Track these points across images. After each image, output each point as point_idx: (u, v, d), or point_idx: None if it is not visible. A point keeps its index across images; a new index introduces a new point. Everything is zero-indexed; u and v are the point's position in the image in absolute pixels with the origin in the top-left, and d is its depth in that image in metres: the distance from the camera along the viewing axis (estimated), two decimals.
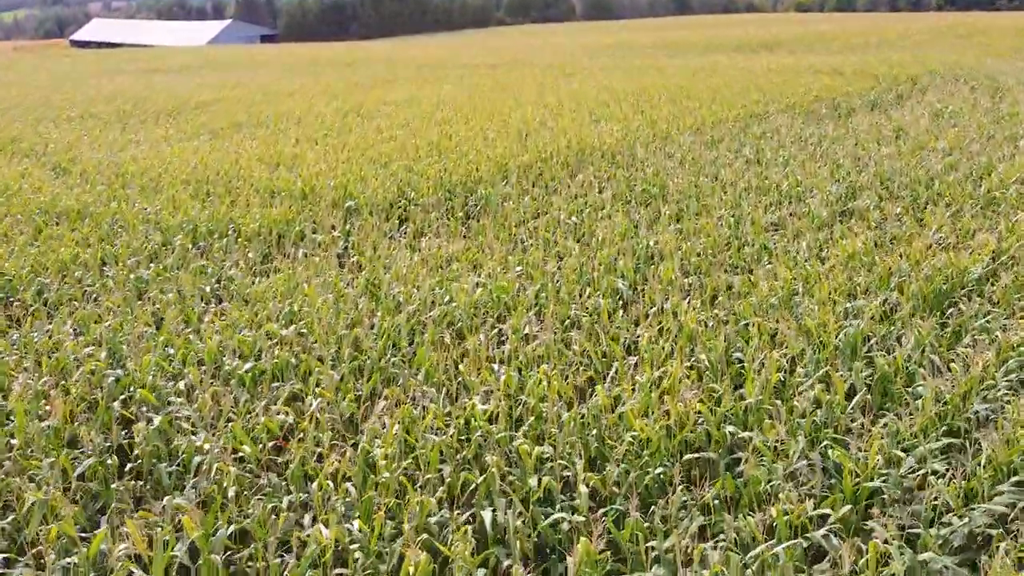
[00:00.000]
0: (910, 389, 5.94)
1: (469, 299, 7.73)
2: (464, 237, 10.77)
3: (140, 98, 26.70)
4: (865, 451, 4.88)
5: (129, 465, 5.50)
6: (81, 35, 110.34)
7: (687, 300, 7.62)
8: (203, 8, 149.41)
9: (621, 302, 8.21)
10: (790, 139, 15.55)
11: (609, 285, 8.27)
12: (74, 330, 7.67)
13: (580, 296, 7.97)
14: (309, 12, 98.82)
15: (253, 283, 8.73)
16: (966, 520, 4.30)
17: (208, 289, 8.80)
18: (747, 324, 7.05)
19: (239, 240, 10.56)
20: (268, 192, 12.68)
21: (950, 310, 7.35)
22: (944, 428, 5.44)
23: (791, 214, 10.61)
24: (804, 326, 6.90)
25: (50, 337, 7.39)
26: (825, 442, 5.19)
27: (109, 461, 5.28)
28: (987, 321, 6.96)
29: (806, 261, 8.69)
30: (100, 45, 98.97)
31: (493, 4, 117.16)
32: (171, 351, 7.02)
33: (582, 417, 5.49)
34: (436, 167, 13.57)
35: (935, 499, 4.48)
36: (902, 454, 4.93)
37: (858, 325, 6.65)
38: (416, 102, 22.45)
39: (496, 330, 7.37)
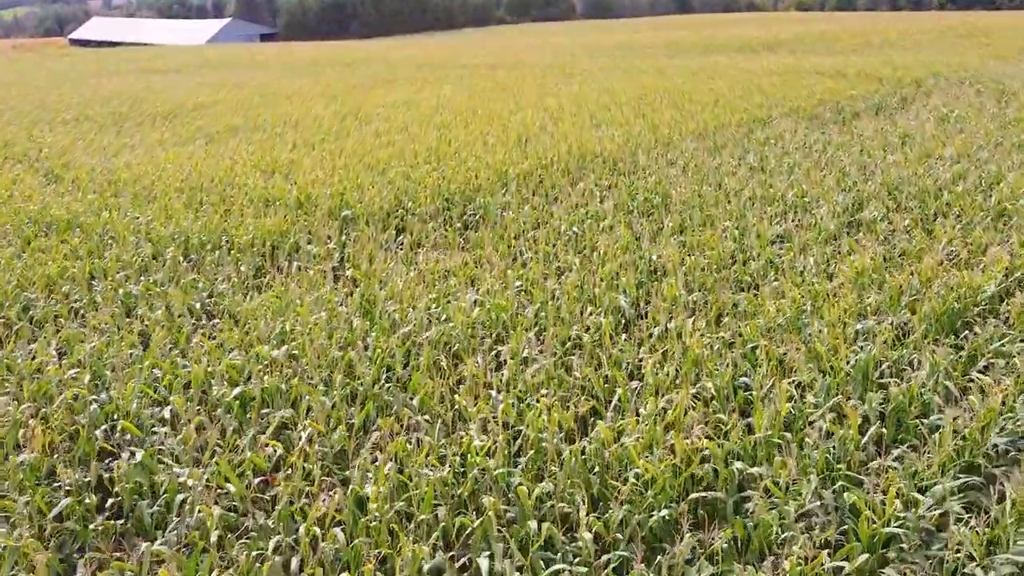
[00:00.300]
0: (926, 420, 5.70)
1: (467, 319, 7.49)
2: (462, 249, 10.53)
3: (137, 100, 26.44)
4: (882, 492, 4.63)
5: (110, 501, 5.26)
6: (80, 33, 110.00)
7: (691, 320, 7.38)
8: (203, 6, 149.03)
9: (623, 320, 7.98)
10: (794, 145, 15.30)
11: (611, 302, 8.02)
12: (58, 351, 7.43)
13: (581, 315, 7.73)
14: (309, 11, 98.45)
15: (245, 299, 8.48)
16: (990, 575, 4.06)
17: (199, 305, 8.57)
18: (754, 348, 6.81)
19: (232, 252, 10.32)
20: (263, 201, 12.44)
21: (964, 332, 7.11)
22: (962, 463, 5.20)
23: (797, 225, 10.35)
24: (813, 349, 6.66)
25: (33, 358, 7.15)
26: (839, 482, 4.94)
27: (88, 500, 5.03)
28: (1003, 345, 6.71)
29: (814, 278, 8.44)
30: (99, 44, 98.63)
31: (493, 3, 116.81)
32: (158, 373, 6.79)
33: (583, 452, 5.25)
34: (434, 175, 13.32)
35: (957, 550, 4.24)
36: (919, 495, 4.68)
37: (869, 350, 6.40)
38: (415, 104, 22.19)
39: (494, 352, 7.13)
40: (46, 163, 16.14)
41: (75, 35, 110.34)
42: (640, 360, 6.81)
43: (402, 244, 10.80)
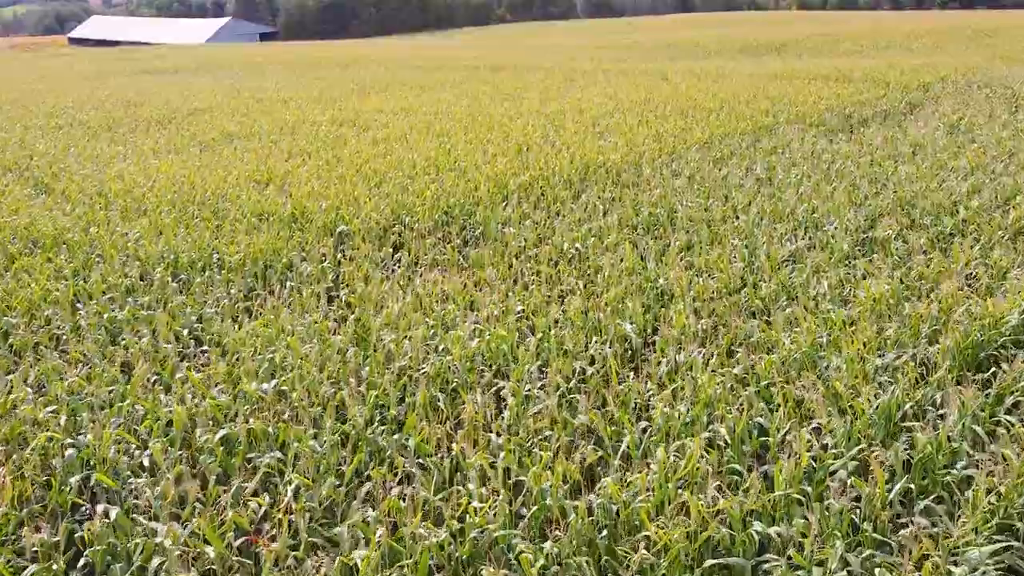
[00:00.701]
0: (955, 471, 5.34)
1: (465, 352, 7.12)
2: (461, 269, 10.17)
3: (132, 104, 26.08)
4: (914, 567, 4.27)
5: (82, 560, 4.90)
6: (79, 32, 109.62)
7: (701, 353, 7.01)
8: (203, 5, 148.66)
9: (630, 351, 7.62)
10: (802, 155, 14.92)
11: (617, 332, 7.66)
12: (36, 385, 7.07)
13: (586, 348, 7.36)
14: (308, 10, 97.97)
15: (233, 326, 8.11)
16: None
17: (186, 332, 8.20)
18: (769, 385, 6.45)
19: (223, 271, 9.96)
20: (256, 215, 12.07)
21: (990, 368, 6.74)
22: (997, 523, 4.84)
23: (809, 245, 9.99)
24: (832, 388, 6.30)
25: (9, 392, 6.79)
26: (866, 548, 4.57)
27: (56, 566, 4.67)
28: None
29: (828, 304, 8.08)
30: (98, 43, 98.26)
31: (494, 1, 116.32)
32: (140, 409, 6.43)
33: (590, 511, 4.88)
34: (433, 187, 12.95)
35: None
36: (954, 568, 4.32)
37: (892, 391, 6.03)
38: (414, 111, 21.82)
39: (494, 389, 6.77)
40: (36, 172, 15.77)
41: (74, 34, 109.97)
42: (649, 398, 6.46)
43: (399, 261, 10.45)
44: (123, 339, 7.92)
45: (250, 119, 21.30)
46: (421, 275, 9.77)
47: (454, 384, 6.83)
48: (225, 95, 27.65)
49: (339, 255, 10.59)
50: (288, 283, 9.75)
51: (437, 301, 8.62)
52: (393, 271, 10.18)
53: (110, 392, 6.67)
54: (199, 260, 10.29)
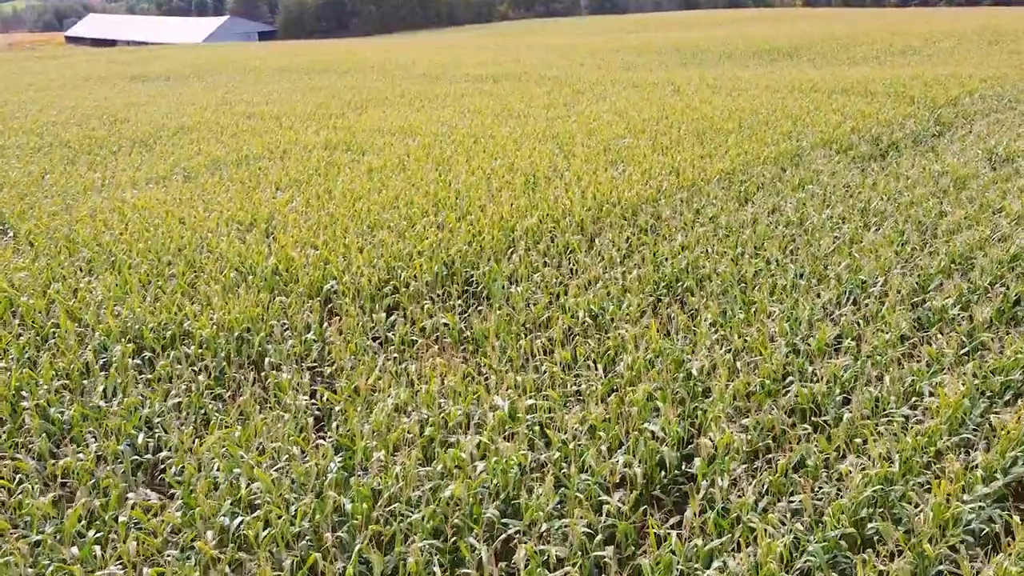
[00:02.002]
0: None
1: (468, 484, 5.92)
2: (463, 340, 8.98)
3: (117, 120, 24.87)
4: None
5: None
6: (76, 31, 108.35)
7: (751, 486, 5.83)
8: (204, 3, 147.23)
9: (663, 470, 6.45)
10: (833, 189, 13.70)
11: (648, 449, 6.47)
12: None
13: (610, 471, 6.16)
14: (308, 8, 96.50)
15: (195, 437, 6.93)
16: None
17: (140, 438, 7.02)
18: (841, 538, 5.26)
19: (193, 347, 8.78)
20: (236, 267, 10.88)
21: None
22: None
23: (858, 318, 8.76)
24: (918, 548, 5.11)
25: None
26: None
27: None
28: None
29: (892, 407, 6.88)
30: (95, 42, 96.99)
31: None
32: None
33: None
34: (432, 234, 11.75)
35: None
36: None
37: (1001, 566, 4.84)
38: (413, 131, 20.59)
39: (502, 537, 5.59)
40: (3, 208, 14.58)
41: (71, 32, 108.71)
42: (691, 553, 5.28)
43: (393, 326, 9.28)
44: (65, 453, 6.74)
45: (239, 141, 20.09)
46: (418, 356, 8.57)
47: (453, 530, 5.64)
48: (215, 109, 26.43)
49: (325, 323, 9.40)
50: (267, 359, 8.58)
51: (434, 399, 7.41)
52: (388, 337, 9.01)
53: (35, 545, 5.48)
54: (167, 330, 9.12)
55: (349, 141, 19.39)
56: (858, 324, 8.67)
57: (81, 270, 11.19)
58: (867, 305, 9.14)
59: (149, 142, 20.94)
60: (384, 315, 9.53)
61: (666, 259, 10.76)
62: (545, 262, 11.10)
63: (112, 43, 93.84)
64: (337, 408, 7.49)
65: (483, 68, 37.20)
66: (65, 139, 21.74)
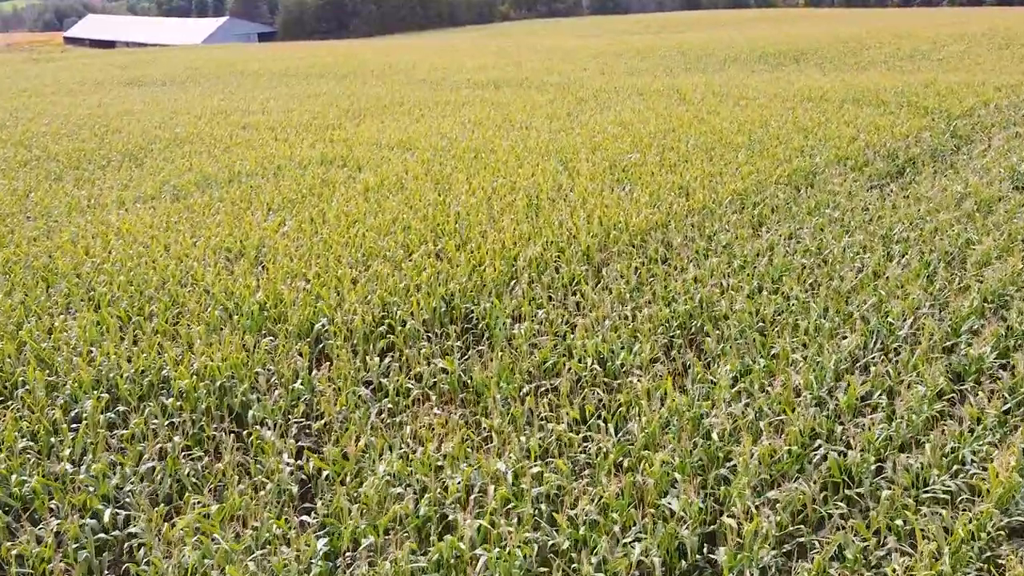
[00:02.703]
0: None
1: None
2: (463, 387, 8.35)
3: (109, 130, 24.23)
4: None
5: None
6: (75, 32, 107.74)
7: None
8: (204, 2, 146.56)
9: (683, 561, 5.81)
10: (851, 212, 13.05)
11: (667, 533, 5.83)
12: None
13: (627, 566, 5.52)
14: (308, 8, 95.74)
15: (163, 520, 6.29)
16: None
17: (108, 513, 6.38)
18: None
19: (171, 399, 8.14)
20: (222, 304, 10.24)
21: None
22: None
23: (889, 367, 8.11)
24: None
25: None
26: None
27: None
28: None
29: (936, 479, 6.25)
30: (94, 43, 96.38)
31: None
32: None
33: None
34: (430, 265, 11.11)
35: None
36: None
37: None
38: (412, 144, 19.94)
39: None
40: None
41: (69, 33, 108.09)
42: None
43: (388, 371, 8.66)
44: (21, 535, 6.11)
45: (231, 155, 19.44)
46: (413, 412, 7.93)
47: None
48: (210, 119, 25.78)
49: (314, 370, 8.76)
50: (250, 411, 7.96)
51: (431, 466, 6.77)
52: (382, 383, 8.38)
53: None
54: (145, 377, 8.49)
55: (346, 156, 18.75)
56: (888, 374, 8.02)
57: (58, 304, 10.54)
58: (897, 352, 8.50)
59: (140, 156, 20.29)
60: (378, 359, 8.92)
61: (678, 296, 10.11)
62: (550, 296, 10.47)
63: (111, 44, 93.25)
64: (325, 474, 6.88)
65: (484, 73, 36.54)
66: (54, 152, 21.11)
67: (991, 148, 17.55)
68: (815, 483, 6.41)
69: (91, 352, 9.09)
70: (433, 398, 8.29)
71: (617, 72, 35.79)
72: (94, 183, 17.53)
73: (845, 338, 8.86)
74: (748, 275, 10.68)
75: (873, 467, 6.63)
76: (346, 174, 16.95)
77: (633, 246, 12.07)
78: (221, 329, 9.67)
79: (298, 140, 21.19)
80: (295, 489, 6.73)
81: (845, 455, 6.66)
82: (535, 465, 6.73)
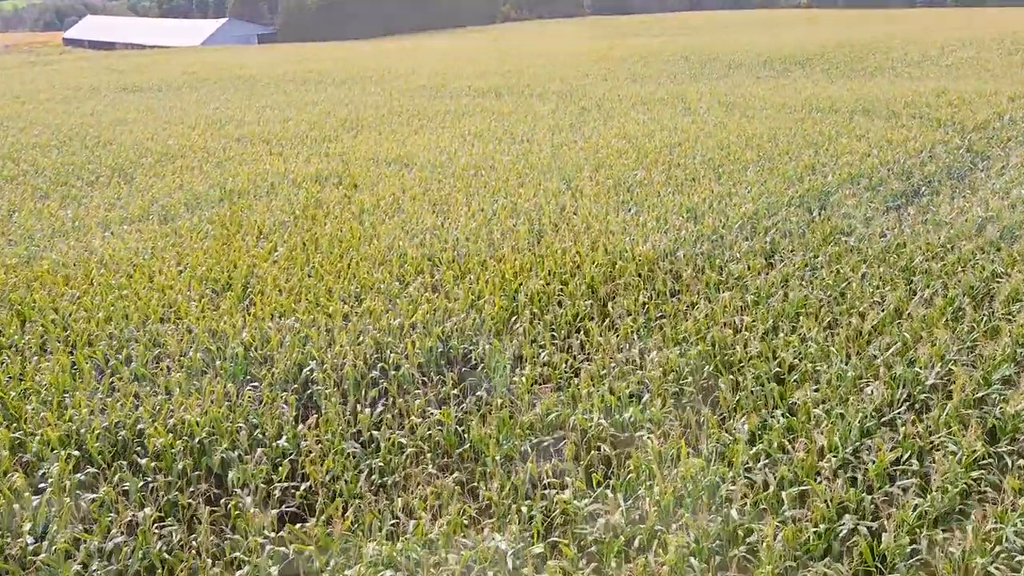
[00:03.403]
0: None
1: None
2: (463, 460, 7.75)
3: (100, 142, 23.64)
4: None
5: None
6: (74, 33, 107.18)
7: None
8: (204, 2, 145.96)
9: None
10: (869, 240, 12.43)
11: None
12: None
13: None
14: (308, 9, 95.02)
15: None
16: None
17: None
18: None
19: (146, 460, 7.56)
20: (204, 346, 9.65)
21: None
22: None
23: (920, 427, 7.51)
24: None
25: None
26: None
27: None
28: None
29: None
30: (93, 44, 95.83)
31: None
32: None
33: None
34: (426, 300, 10.52)
35: None
36: None
37: None
38: (410, 159, 19.35)
39: None
40: None
41: (69, 34, 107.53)
42: None
43: (380, 423, 8.08)
44: None
45: (224, 171, 18.86)
46: (406, 481, 7.34)
47: None
48: (204, 129, 25.20)
49: (300, 424, 8.16)
50: (230, 473, 7.38)
51: (425, 543, 6.19)
52: (373, 436, 7.80)
53: None
54: (119, 431, 7.91)
55: (341, 172, 18.16)
56: (918, 435, 7.42)
57: (30, 345, 9.95)
58: (927, 407, 7.91)
59: (130, 171, 19.71)
60: (369, 409, 8.34)
61: (689, 336, 9.52)
62: (552, 334, 9.89)
63: (110, 45, 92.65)
64: (307, 554, 6.29)
65: (485, 80, 35.92)
66: (42, 166, 20.55)
67: (1009, 166, 16.93)
68: (846, 570, 5.82)
69: (63, 400, 8.52)
70: (428, 455, 7.71)
71: (620, 78, 35.17)
72: (80, 202, 16.96)
73: (868, 385, 8.28)
74: (763, 312, 10.09)
75: (908, 548, 6.04)
76: (341, 193, 16.36)
77: (640, 276, 11.49)
78: (204, 372, 9.10)
79: (293, 154, 20.61)
80: (275, 572, 6.15)
81: (878, 538, 6.06)
82: (537, 545, 6.15)
